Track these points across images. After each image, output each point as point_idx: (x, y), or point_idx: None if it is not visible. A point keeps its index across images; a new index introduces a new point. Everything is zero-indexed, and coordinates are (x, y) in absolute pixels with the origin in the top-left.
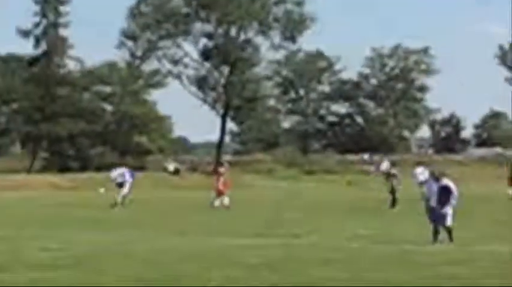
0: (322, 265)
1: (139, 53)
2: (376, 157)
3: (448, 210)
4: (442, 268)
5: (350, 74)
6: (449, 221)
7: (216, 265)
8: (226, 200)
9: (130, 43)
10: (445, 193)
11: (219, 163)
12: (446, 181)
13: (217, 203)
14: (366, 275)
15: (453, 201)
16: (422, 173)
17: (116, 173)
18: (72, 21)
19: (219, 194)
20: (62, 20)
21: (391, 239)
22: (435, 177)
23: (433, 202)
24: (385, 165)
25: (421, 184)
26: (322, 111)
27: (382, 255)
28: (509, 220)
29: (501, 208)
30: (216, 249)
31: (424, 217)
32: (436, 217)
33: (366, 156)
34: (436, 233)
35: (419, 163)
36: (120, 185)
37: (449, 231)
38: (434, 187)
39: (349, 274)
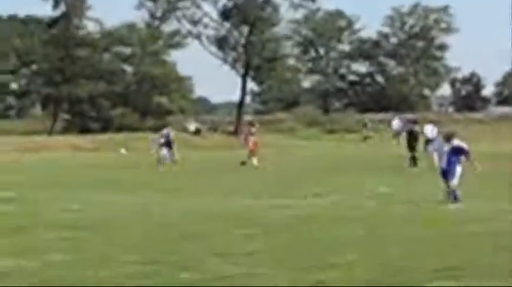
0: (341, 223)
1: (158, 14)
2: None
3: (458, 169)
4: (461, 226)
5: (370, 32)
6: (455, 181)
7: (236, 225)
8: (254, 160)
9: (149, 3)
10: (455, 153)
11: (250, 122)
12: (457, 142)
13: (255, 161)
14: (381, 232)
15: (469, 157)
16: (432, 130)
17: (162, 133)
18: None
19: (251, 153)
20: None
21: (409, 197)
22: (447, 137)
23: (444, 163)
24: (395, 123)
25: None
26: (343, 71)
27: (400, 213)
28: None
29: None
30: (236, 209)
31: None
32: (447, 176)
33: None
34: (449, 192)
35: (430, 121)
36: (167, 144)
37: (453, 190)
38: (445, 148)
39: (365, 231)
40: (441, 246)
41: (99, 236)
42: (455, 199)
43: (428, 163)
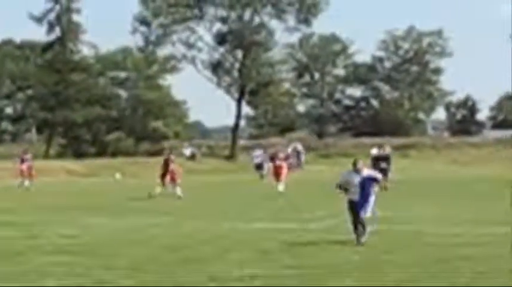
0: (336, 248)
1: (153, 38)
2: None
3: (371, 200)
4: (459, 249)
5: (364, 57)
6: (369, 213)
7: (233, 249)
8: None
9: (143, 28)
10: (368, 184)
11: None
12: (367, 172)
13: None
14: (380, 256)
15: (380, 183)
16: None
17: (255, 154)
18: (85, 6)
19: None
20: (74, 6)
21: (408, 221)
22: (356, 169)
23: (356, 196)
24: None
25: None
26: (337, 95)
27: (397, 237)
28: None
29: None
30: (232, 233)
31: (436, 198)
32: (357, 209)
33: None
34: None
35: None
36: (259, 166)
37: (363, 223)
38: (356, 179)
39: (363, 255)
40: (438, 270)
41: (95, 261)
42: (364, 229)
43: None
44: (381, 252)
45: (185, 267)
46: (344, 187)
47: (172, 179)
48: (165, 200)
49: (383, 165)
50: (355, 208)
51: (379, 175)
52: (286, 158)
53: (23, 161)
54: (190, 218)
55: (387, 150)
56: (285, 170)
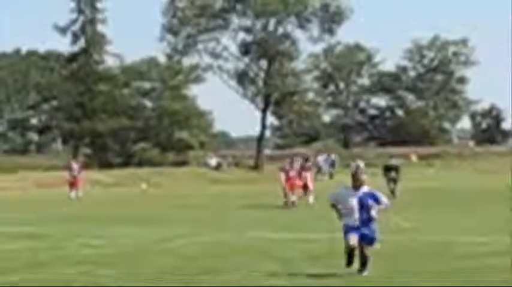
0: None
1: (179, 47)
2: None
3: (375, 227)
4: (482, 258)
5: (389, 66)
6: (376, 244)
7: (256, 260)
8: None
9: (170, 37)
10: (368, 206)
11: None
12: (368, 188)
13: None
14: (403, 268)
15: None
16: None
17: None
18: (109, 17)
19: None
20: (99, 16)
21: (432, 232)
22: (355, 185)
23: (355, 221)
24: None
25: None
26: (362, 104)
27: (423, 248)
28: None
29: None
30: (256, 244)
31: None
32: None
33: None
34: (353, 256)
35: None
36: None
37: (366, 259)
38: (353, 200)
39: (389, 266)
40: (466, 280)
41: (119, 271)
42: (366, 264)
43: None
44: (406, 263)
45: (209, 277)
46: (339, 210)
47: (305, 187)
48: (189, 210)
49: (393, 174)
50: (355, 233)
51: (384, 199)
52: (303, 168)
53: (71, 170)
54: (215, 229)
55: (398, 161)
56: (298, 182)
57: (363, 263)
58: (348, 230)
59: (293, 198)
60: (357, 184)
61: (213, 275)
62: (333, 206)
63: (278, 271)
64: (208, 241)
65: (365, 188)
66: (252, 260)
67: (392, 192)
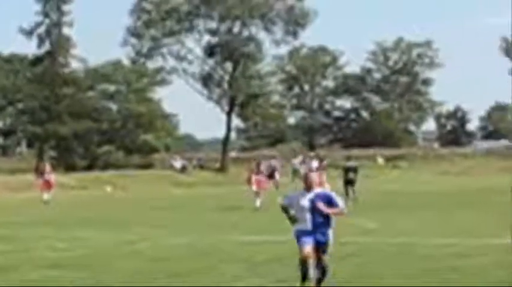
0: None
1: (144, 51)
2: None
3: (330, 233)
4: (442, 260)
5: (354, 68)
6: (331, 248)
7: (223, 262)
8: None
9: (134, 40)
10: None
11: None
12: (320, 190)
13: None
14: (373, 269)
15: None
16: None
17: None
18: (74, 20)
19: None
20: (65, 19)
21: (398, 233)
22: (307, 186)
23: (308, 225)
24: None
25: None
26: (327, 106)
27: (385, 249)
28: None
29: (509, 200)
30: (223, 246)
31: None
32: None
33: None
34: (308, 269)
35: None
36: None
37: (324, 269)
38: (305, 202)
39: (357, 268)
40: (426, 282)
41: (84, 275)
42: (325, 274)
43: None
44: (371, 264)
45: (176, 280)
46: (292, 215)
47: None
48: (156, 213)
49: (351, 175)
50: (307, 238)
51: (340, 202)
52: (319, 168)
53: (42, 174)
54: (181, 231)
55: (356, 163)
56: (264, 185)
57: (322, 273)
58: (299, 235)
59: (258, 201)
60: (308, 186)
61: (178, 278)
62: (284, 209)
63: (245, 273)
64: (174, 244)
65: (318, 190)
66: (218, 263)
67: (347, 194)
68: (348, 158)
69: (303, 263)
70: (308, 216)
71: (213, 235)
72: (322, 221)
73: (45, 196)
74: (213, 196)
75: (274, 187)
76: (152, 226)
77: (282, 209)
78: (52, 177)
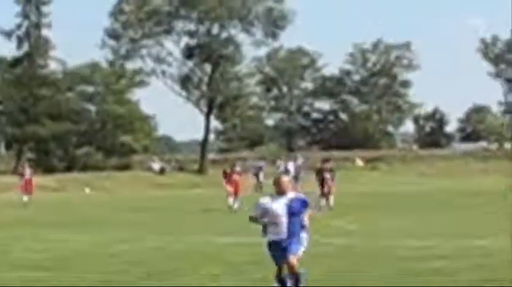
0: (310, 261)
1: (122, 52)
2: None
3: (304, 237)
4: (422, 262)
5: (332, 70)
6: (301, 252)
7: (202, 264)
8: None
9: (112, 42)
10: (297, 213)
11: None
12: (294, 193)
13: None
14: (347, 271)
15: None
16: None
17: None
18: (54, 21)
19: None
20: (44, 20)
21: (375, 234)
22: (279, 191)
23: (283, 234)
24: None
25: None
26: (306, 108)
27: (364, 251)
28: (496, 214)
29: (487, 202)
30: (201, 247)
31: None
32: (285, 254)
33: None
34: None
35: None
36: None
37: (297, 276)
38: (278, 208)
39: (328, 270)
40: (407, 284)
41: (61, 276)
42: (299, 282)
43: None
44: (348, 266)
45: (155, 281)
46: (263, 223)
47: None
48: (134, 214)
49: (327, 175)
50: (281, 251)
51: (312, 205)
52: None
53: (22, 176)
54: (159, 233)
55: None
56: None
57: (296, 281)
58: (272, 250)
59: (230, 201)
60: (280, 190)
61: (156, 279)
62: (253, 219)
63: (222, 274)
64: (151, 245)
65: (291, 194)
66: (196, 264)
67: (324, 195)
68: (325, 160)
69: (279, 279)
70: (284, 220)
71: (191, 236)
72: (297, 226)
73: (25, 197)
74: (192, 198)
75: (259, 187)
76: (130, 227)
77: (251, 220)
78: (32, 179)
